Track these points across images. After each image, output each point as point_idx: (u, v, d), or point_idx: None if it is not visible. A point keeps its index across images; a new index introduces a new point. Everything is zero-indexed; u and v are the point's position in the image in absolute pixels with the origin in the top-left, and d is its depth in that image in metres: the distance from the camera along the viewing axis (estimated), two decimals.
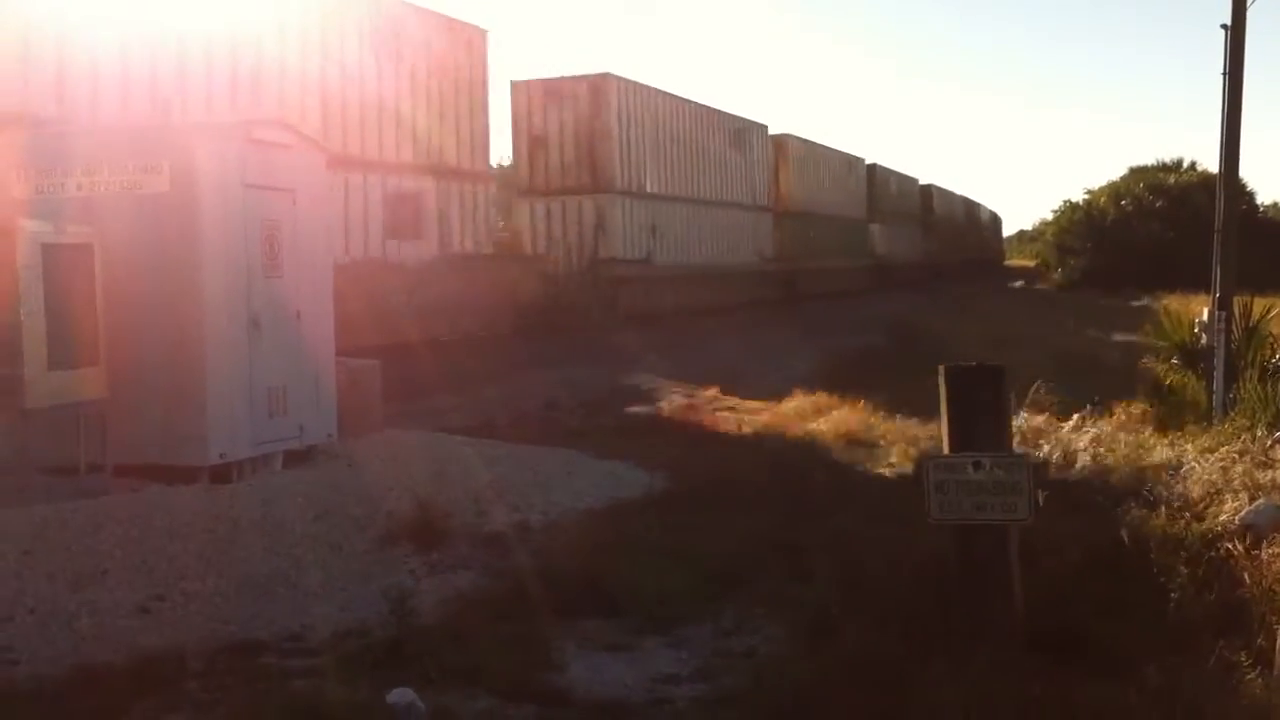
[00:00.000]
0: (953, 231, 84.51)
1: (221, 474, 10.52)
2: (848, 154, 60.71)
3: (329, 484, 10.74)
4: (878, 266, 62.70)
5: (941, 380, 6.52)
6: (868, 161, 64.60)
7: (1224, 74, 15.56)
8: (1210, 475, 9.05)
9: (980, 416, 6.45)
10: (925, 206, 76.31)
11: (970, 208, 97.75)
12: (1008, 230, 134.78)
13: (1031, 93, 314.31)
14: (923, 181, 78.37)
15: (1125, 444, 11.13)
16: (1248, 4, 15.44)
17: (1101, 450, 10.74)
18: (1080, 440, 11.23)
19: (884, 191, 65.89)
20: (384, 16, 25.03)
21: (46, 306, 9.76)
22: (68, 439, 10.04)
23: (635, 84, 37.07)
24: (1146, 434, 12.02)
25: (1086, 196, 70.84)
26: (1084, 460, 10.62)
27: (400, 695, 5.78)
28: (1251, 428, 10.86)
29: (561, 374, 21.32)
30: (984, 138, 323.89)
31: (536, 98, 34.99)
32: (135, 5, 18.67)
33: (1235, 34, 15.48)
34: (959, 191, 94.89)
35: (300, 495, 10.27)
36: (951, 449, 6.47)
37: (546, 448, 13.37)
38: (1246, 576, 7.17)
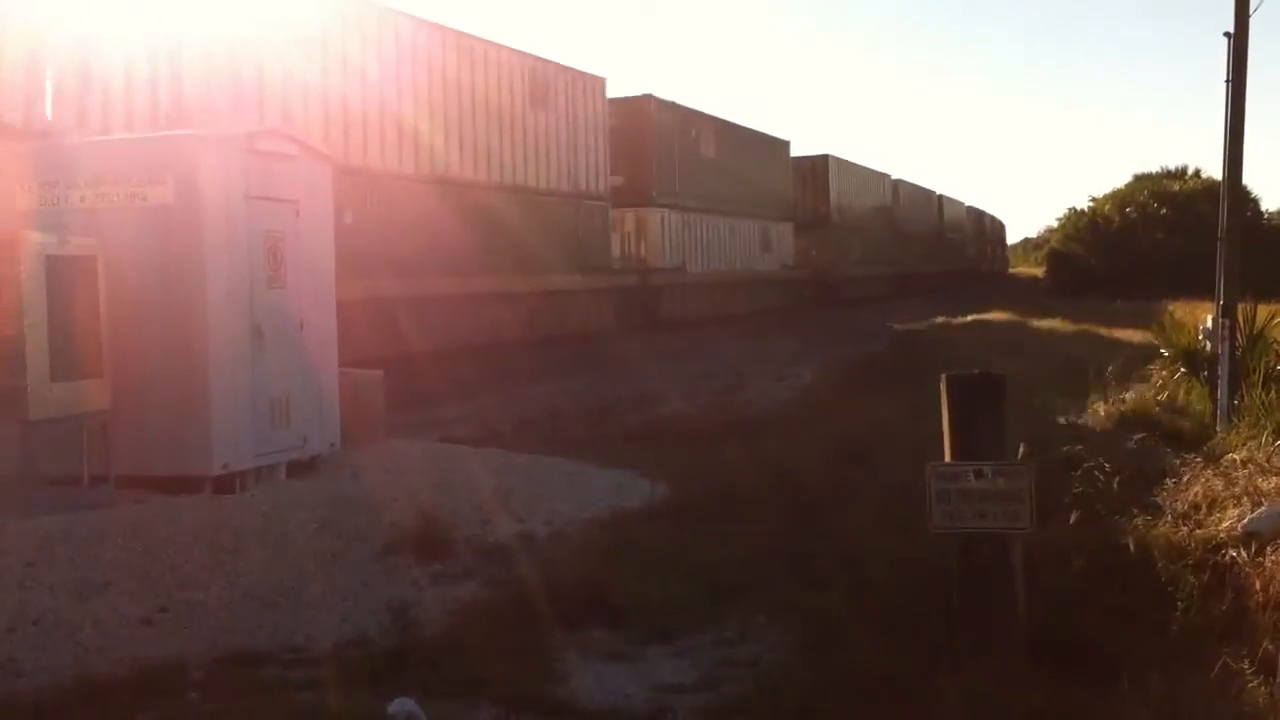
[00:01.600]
0: (881, 231, 61.67)
1: (225, 484, 10.53)
2: (575, 71, 32.03)
3: (332, 494, 10.74)
4: (643, 287, 35.25)
5: (943, 389, 6.52)
6: (630, 91, 36.22)
7: (1227, 81, 15.55)
8: (1213, 482, 9.03)
9: (981, 425, 6.44)
10: (810, 190, 52.47)
11: (926, 200, 75.31)
12: (1011, 238, 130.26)
13: (1037, 99, 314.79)
14: (802, 151, 53.09)
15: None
16: (1250, 12, 15.44)
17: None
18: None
19: (679, 155, 37.88)
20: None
21: (50, 318, 9.77)
22: (71, 450, 10.04)
23: None
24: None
25: (1091, 204, 70.70)
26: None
27: (400, 705, 5.78)
28: (1255, 435, 10.83)
29: (564, 383, 21.33)
30: (989, 144, 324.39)
31: None
32: (139, 17, 18.68)
33: (1238, 42, 15.46)
34: (918, 181, 74.03)
35: (303, 506, 10.27)
36: (953, 458, 6.46)
37: (550, 457, 13.38)
38: (1255, 584, 7.16)
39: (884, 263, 61.79)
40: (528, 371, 22.46)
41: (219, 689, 6.58)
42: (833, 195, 54.16)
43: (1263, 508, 7.98)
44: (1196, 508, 8.66)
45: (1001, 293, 59.56)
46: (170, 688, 6.58)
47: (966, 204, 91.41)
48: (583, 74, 32.68)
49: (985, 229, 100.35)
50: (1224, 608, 6.89)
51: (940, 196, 79.69)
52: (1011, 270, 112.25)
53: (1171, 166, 70.89)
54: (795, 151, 52.88)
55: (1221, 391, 13.62)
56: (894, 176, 66.73)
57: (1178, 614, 6.86)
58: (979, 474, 6.30)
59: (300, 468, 11.42)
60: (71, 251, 10.10)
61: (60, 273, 9.93)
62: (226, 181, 10.76)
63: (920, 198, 73.33)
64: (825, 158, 54.31)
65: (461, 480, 11.56)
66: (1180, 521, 8.33)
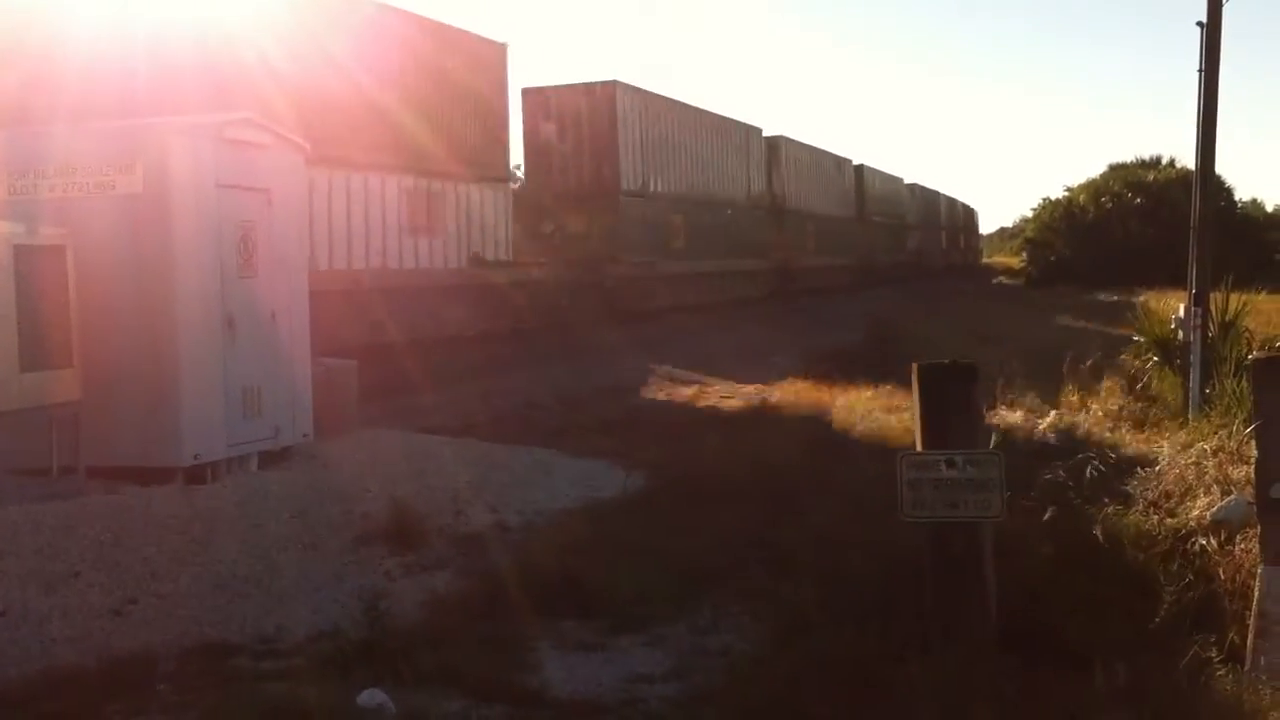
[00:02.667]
0: (741, 208, 42.72)
1: (197, 475, 10.48)
2: None
3: (305, 485, 10.71)
4: None
5: (914, 378, 6.52)
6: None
7: (1200, 71, 15.59)
8: (1184, 471, 9.07)
9: (953, 414, 6.45)
10: (584, 138, 33.20)
11: (836, 170, 55.59)
12: (987, 227, 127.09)
13: (1014, 89, 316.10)
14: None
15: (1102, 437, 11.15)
16: (1223, 2, 15.48)
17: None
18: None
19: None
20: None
21: (19, 308, 9.71)
22: (41, 441, 9.98)
23: None
24: (1123, 432, 12.06)
25: (1066, 193, 70.98)
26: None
27: (370, 697, 5.76)
28: (1226, 424, 10.86)
29: (542, 373, 21.28)
30: (965, 134, 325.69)
31: None
32: (111, 3, 18.53)
33: (1211, 31, 15.51)
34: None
35: (275, 496, 10.24)
36: (924, 446, 6.47)
37: (524, 447, 13.36)
38: (1220, 572, 7.19)
39: (743, 254, 42.10)
40: None
41: (189, 680, 6.55)
42: (626, 149, 33.62)
43: (1231, 497, 8.01)
44: (1167, 496, 8.69)
45: (930, 298, 45.22)
46: (139, 679, 6.54)
47: (908, 181, 73.28)
48: None
49: (940, 214, 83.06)
50: (1193, 596, 6.91)
51: (860, 167, 60.06)
52: (987, 260, 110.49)
53: (1146, 156, 71.25)
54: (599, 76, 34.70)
55: (1193, 380, 13.65)
56: (769, 132, 46.62)
57: (1147, 603, 6.88)
58: (950, 463, 6.31)
59: (273, 458, 11.38)
60: (40, 241, 10.03)
61: (29, 263, 9.86)
62: (197, 170, 10.69)
63: (823, 166, 53.24)
64: (612, 86, 33.17)
65: (434, 470, 11.54)
66: (1151, 510, 8.36)
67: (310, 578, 8.53)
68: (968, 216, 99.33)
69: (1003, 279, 66.83)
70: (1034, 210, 76.06)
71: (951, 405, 6.49)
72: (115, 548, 8.67)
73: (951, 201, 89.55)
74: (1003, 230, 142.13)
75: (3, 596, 7.72)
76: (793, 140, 49.55)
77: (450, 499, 10.59)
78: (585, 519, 10.12)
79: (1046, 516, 7.91)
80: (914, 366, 6.60)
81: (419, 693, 6.23)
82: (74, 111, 17.37)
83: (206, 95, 18.21)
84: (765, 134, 46.19)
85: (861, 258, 57.30)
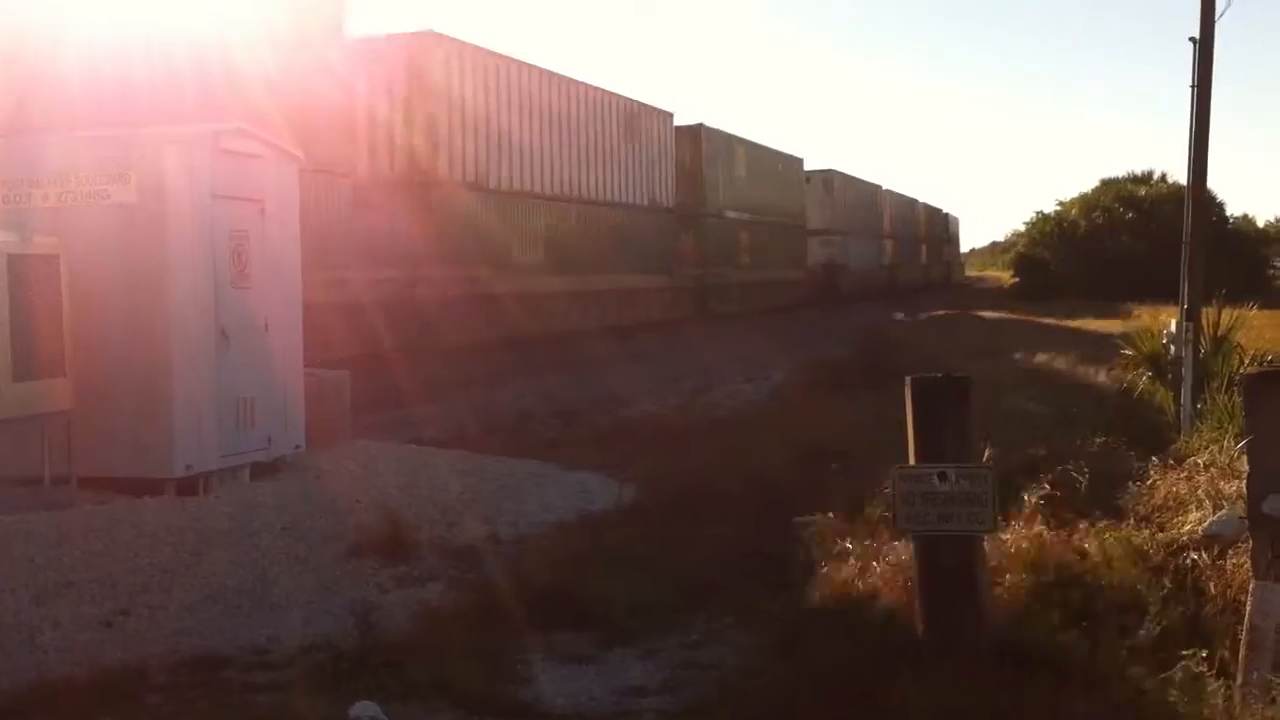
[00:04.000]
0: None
1: (189, 486, 10.46)
2: None
3: (297, 496, 10.69)
4: None
5: (907, 391, 6.53)
6: None
7: (1192, 87, 15.63)
8: (1176, 486, 9.07)
9: (946, 427, 6.46)
10: None
11: (652, 127, 36.63)
12: (978, 241, 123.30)
13: (1007, 101, 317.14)
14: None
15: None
16: (1216, 17, 15.53)
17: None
18: None
19: None
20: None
21: (11, 317, 9.70)
22: (32, 450, 9.97)
23: None
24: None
25: (1058, 207, 71.04)
26: None
27: (362, 709, 5.75)
28: (1218, 438, 10.88)
29: (536, 383, 21.27)
30: (957, 146, 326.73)
31: None
32: (107, 11, 18.52)
33: (1204, 48, 15.55)
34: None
35: (268, 507, 10.23)
36: (917, 460, 6.47)
37: (517, 459, 13.35)
38: (1211, 587, 7.20)
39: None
40: None
41: (180, 692, 6.54)
42: None
43: (1223, 511, 8.01)
44: (1159, 510, 8.69)
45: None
46: (130, 691, 6.52)
47: (820, 166, 54.75)
48: None
49: (882, 217, 65.33)
50: (1185, 611, 6.91)
51: (695, 129, 40.39)
52: (979, 274, 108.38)
53: (1138, 171, 71.25)
54: None
55: (1185, 395, 13.66)
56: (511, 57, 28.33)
57: (1139, 617, 6.88)
58: (942, 476, 6.31)
59: (265, 469, 11.37)
60: (34, 250, 10.02)
61: (22, 271, 9.86)
62: (191, 180, 10.69)
63: (580, 122, 31.89)
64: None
65: (426, 481, 11.54)
66: (1143, 524, 8.36)
67: (302, 589, 8.52)
68: (933, 222, 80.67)
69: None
70: (1025, 224, 76.03)
71: (944, 418, 6.49)
72: (107, 559, 8.65)
73: (908, 202, 71.36)
74: (994, 244, 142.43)
75: None
76: (465, 45, 26.53)
77: (443, 511, 10.60)
78: (578, 531, 10.11)
79: (1038, 529, 7.92)
80: (907, 380, 6.60)
81: (411, 705, 6.22)
82: (68, 120, 17.42)
83: (201, 105, 18.24)
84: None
85: (682, 278, 38.29)
